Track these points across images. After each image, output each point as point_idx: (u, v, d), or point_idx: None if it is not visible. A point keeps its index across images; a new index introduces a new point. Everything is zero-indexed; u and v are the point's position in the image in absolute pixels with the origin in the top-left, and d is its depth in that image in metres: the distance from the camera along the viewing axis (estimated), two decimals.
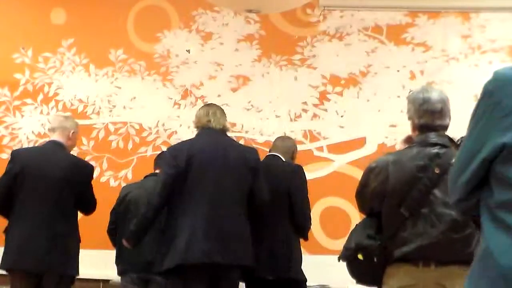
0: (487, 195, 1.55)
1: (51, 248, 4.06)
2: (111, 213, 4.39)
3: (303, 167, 4.40)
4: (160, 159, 4.38)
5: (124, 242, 3.88)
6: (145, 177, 4.48)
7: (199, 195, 3.72)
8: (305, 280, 4.16)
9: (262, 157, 4.82)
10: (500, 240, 1.47)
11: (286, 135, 5.30)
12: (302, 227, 4.18)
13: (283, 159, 4.37)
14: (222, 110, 4.02)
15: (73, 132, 4.34)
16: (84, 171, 4.32)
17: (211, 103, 4.25)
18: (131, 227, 3.88)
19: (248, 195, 3.81)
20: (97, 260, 4.65)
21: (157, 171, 4.31)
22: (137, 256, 4.09)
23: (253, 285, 4.17)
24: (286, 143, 4.51)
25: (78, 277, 4.36)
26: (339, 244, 4.46)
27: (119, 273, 4.35)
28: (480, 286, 1.49)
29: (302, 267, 4.20)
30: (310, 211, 4.26)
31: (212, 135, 3.89)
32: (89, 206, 4.35)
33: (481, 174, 1.55)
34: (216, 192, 3.73)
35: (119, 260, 4.32)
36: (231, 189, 3.75)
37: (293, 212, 4.13)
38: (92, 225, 4.49)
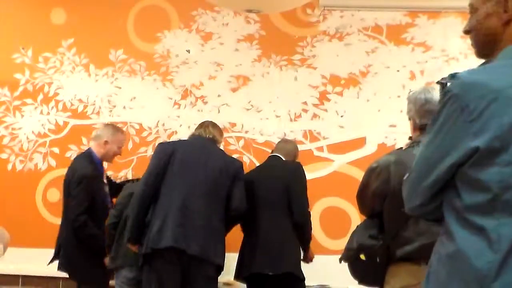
0: (452, 198, 1.55)
1: (61, 253, 4.38)
2: (114, 208, 4.37)
3: (303, 167, 4.43)
4: None
5: (130, 247, 3.95)
6: None
7: (177, 188, 3.92)
8: (302, 278, 4.15)
9: (261, 157, 4.85)
10: (473, 243, 1.47)
11: (286, 135, 5.31)
12: (301, 224, 4.19)
13: (284, 159, 4.40)
14: (216, 124, 4.31)
15: (105, 141, 4.50)
16: (72, 175, 4.41)
17: (206, 121, 4.40)
18: (127, 229, 3.95)
19: (225, 200, 3.98)
20: None
21: None
22: (134, 253, 4.10)
23: (253, 281, 4.19)
24: (288, 146, 4.56)
25: None
26: (339, 244, 4.48)
27: (114, 269, 4.31)
28: None
29: (303, 267, 4.21)
30: (308, 208, 4.26)
31: (200, 140, 4.14)
32: (68, 210, 4.35)
33: (446, 178, 1.55)
34: (193, 189, 3.91)
35: (114, 257, 4.29)
36: (206, 189, 3.94)
37: (291, 208, 4.15)
38: None
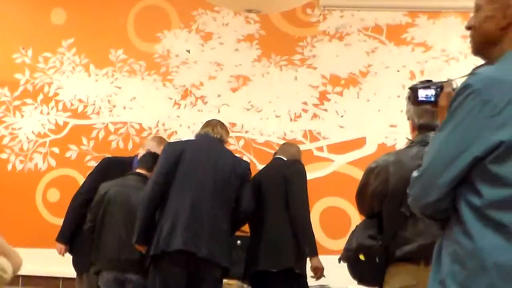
0: (469, 195, 1.54)
1: None
2: (89, 211, 4.23)
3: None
4: (143, 158, 4.35)
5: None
6: (125, 175, 4.31)
7: (186, 189, 3.89)
8: (302, 273, 4.13)
9: (261, 157, 4.85)
10: (494, 240, 1.46)
11: (286, 135, 5.32)
12: (297, 218, 4.12)
13: (285, 160, 4.42)
14: (223, 124, 4.25)
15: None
16: None
17: (214, 119, 4.35)
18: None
19: (233, 201, 3.96)
20: None
21: (138, 170, 4.25)
22: (113, 254, 4.05)
23: (257, 279, 4.18)
24: (292, 149, 4.56)
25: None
26: (339, 244, 4.48)
27: (95, 273, 4.20)
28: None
29: None
30: (306, 204, 4.19)
31: (208, 140, 4.09)
32: None
33: (465, 172, 1.53)
34: (202, 189, 3.88)
35: (94, 261, 4.19)
36: (216, 191, 3.90)
37: (288, 203, 4.14)
38: None
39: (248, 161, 4.43)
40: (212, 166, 3.95)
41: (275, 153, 4.58)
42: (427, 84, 1.99)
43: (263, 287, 4.16)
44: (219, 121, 4.30)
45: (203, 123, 4.30)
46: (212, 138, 4.09)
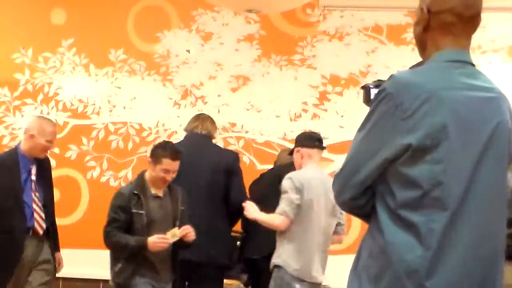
0: (385, 195, 1.61)
1: None
2: None
3: None
4: None
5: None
6: None
7: None
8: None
9: (261, 157, 4.84)
10: (403, 238, 1.54)
11: (286, 135, 5.32)
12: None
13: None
14: (212, 119, 4.27)
15: (31, 134, 4.01)
16: None
17: (204, 113, 4.32)
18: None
19: (224, 195, 4.00)
20: (97, 260, 4.65)
21: None
22: None
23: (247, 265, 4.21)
24: (283, 154, 4.57)
25: (78, 277, 4.41)
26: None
27: None
28: (382, 282, 1.56)
29: None
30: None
31: (195, 139, 4.11)
32: None
33: (377, 173, 1.61)
34: (195, 193, 3.89)
35: None
36: (205, 189, 3.96)
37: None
38: (92, 225, 4.49)
39: (244, 161, 4.43)
40: (200, 168, 3.98)
41: (275, 162, 4.62)
42: (379, 83, 2.00)
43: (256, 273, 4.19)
44: (208, 116, 4.30)
45: (193, 117, 4.29)
46: (199, 137, 4.10)
